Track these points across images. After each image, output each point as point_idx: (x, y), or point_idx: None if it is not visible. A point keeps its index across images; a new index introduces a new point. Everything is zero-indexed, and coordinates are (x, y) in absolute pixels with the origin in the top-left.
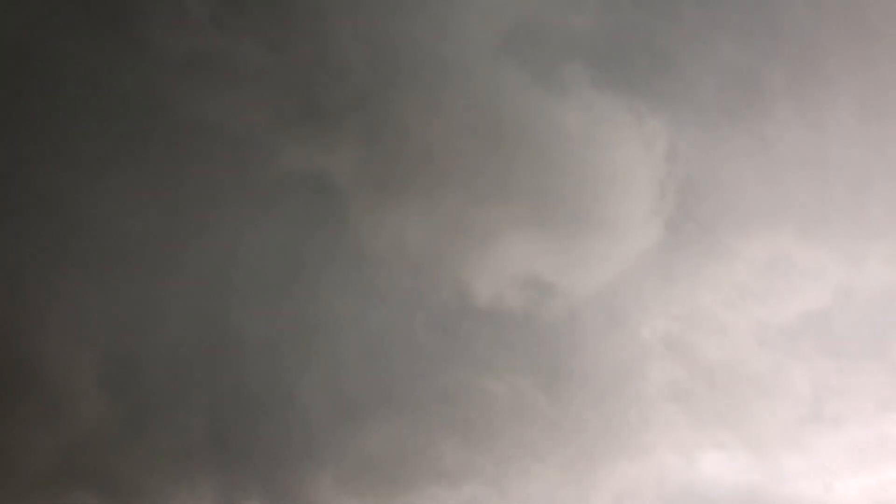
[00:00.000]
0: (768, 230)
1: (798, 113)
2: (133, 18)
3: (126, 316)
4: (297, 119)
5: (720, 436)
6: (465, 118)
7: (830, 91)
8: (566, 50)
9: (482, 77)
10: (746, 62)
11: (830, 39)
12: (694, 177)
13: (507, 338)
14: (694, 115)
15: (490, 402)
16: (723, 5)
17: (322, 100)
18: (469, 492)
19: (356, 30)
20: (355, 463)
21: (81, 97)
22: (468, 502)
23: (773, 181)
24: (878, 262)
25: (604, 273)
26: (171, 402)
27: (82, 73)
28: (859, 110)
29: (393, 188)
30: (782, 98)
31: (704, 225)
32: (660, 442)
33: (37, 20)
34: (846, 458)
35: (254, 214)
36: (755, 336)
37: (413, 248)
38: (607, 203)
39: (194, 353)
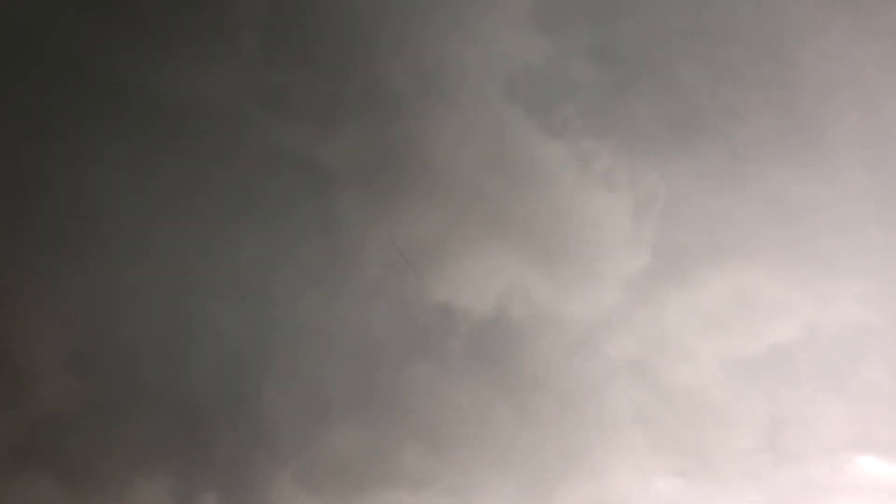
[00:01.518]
0: (741, 264)
1: (779, 158)
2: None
3: (98, 299)
4: (287, 106)
5: (679, 462)
6: (468, 139)
7: (809, 136)
8: (563, 95)
9: (492, 109)
10: (730, 110)
11: (810, 85)
12: (672, 210)
13: (478, 350)
14: (678, 155)
15: (456, 411)
16: (707, 55)
17: (322, 89)
18: (428, 499)
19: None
20: (316, 463)
21: (59, 74)
22: None
23: (749, 219)
24: (844, 302)
25: (577, 292)
26: (137, 389)
27: (59, 49)
28: (837, 155)
29: (384, 190)
30: (764, 143)
31: (678, 254)
32: (620, 464)
33: None
34: (803, 493)
35: (234, 209)
36: (720, 365)
37: (395, 253)
38: (586, 227)
39: (164, 341)
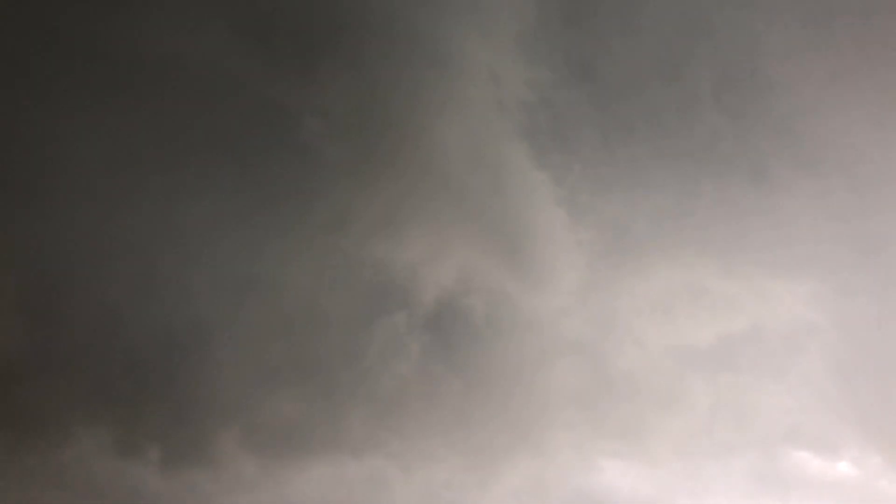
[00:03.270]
0: (693, 259)
1: (740, 168)
2: None
3: (55, 244)
4: (281, 74)
5: (619, 444)
6: (459, 154)
7: (761, 143)
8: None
9: (485, 138)
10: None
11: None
12: (630, 203)
13: (428, 325)
14: (640, 153)
15: (402, 382)
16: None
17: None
18: (372, 464)
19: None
20: (261, 424)
21: (38, 30)
22: (370, 474)
23: (703, 218)
24: (789, 300)
25: (531, 275)
26: (89, 339)
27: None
28: (786, 164)
29: (373, 172)
30: (719, 146)
31: (632, 245)
32: (563, 443)
33: None
34: (738, 485)
35: (193, 170)
36: (664, 352)
37: (365, 230)
38: (543, 216)
39: (120, 291)
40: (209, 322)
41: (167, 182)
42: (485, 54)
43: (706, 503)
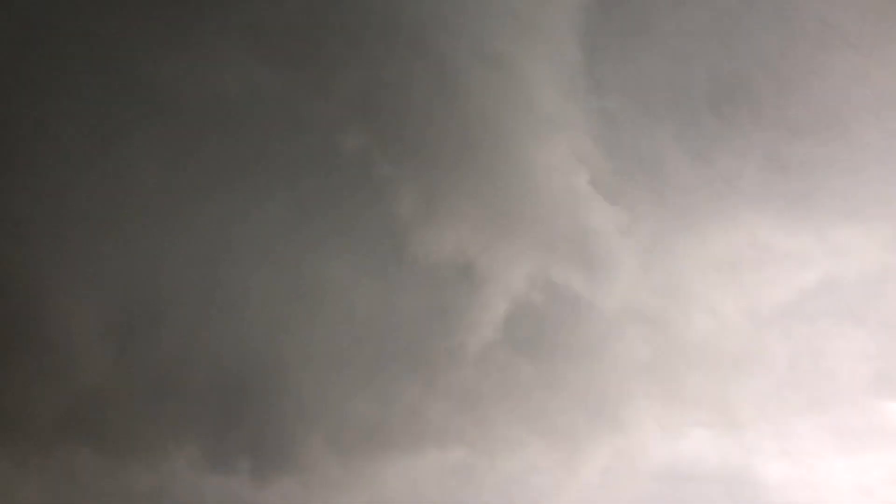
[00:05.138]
0: (754, 217)
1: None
2: None
3: (132, 273)
4: (328, 98)
5: (701, 413)
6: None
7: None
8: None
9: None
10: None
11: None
12: (680, 170)
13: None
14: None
15: (476, 371)
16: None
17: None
18: (457, 456)
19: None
20: (345, 425)
21: (97, 53)
22: (455, 466)
23: (756, 175)
24: (862, 247)
25: (592, 256)
26: (172, 360)
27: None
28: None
29: (417, 170)
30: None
31: (689, 209)
32: (643, 417)
33: None
34: (829, 441)
35: (266, 184)
36: (736, 313)
37: (420, 225)
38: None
39: (196, 312)
40: (283, 334)
41: (228, 205)
42: (535, 62)
43: (799, 463)
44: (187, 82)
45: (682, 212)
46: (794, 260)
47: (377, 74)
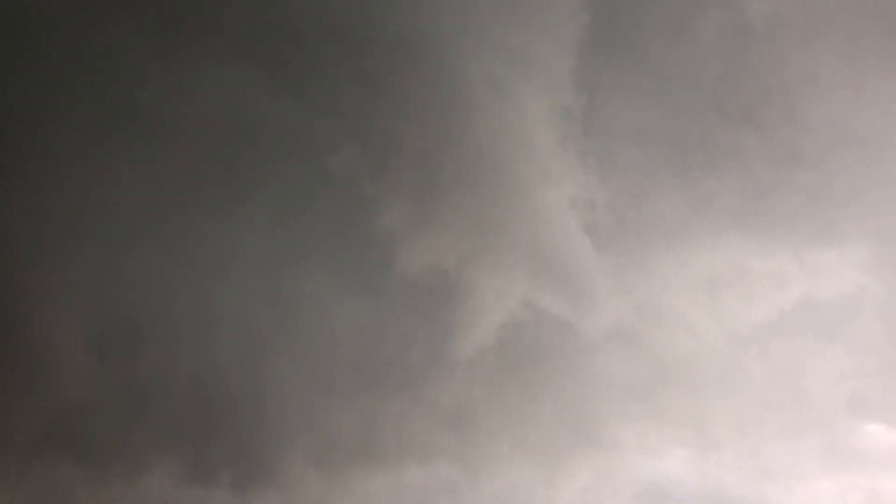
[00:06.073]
0: (734, 239)
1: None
2: None
3: (115, 287)
4: (315, 114)
5: (681, 432)
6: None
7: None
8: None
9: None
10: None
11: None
12: (664, 189)
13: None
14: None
15: (461, 387)
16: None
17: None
18: (440, 472)
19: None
20: (327, 441)
21: (84, 65)
22: (438, 482)
23: (729, 196)
24: (839, 269)
25: (571, 277)
26: (155, 373)
27: (92, 43)
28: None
29: (390, 184)
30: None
31: (670, 231)
32: (625, 436)
33: None
34: (806, 462)
35: (248, 200)
36: (715, 334)
37: (405, 242)
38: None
39: (178, 326)
40: (266, 348)
41: (212, 220)
42: (523, 84)
43: (777, 483)
44: (174, 97)
45: (663, 233)
46: (772, 281)
47: (366, 91)
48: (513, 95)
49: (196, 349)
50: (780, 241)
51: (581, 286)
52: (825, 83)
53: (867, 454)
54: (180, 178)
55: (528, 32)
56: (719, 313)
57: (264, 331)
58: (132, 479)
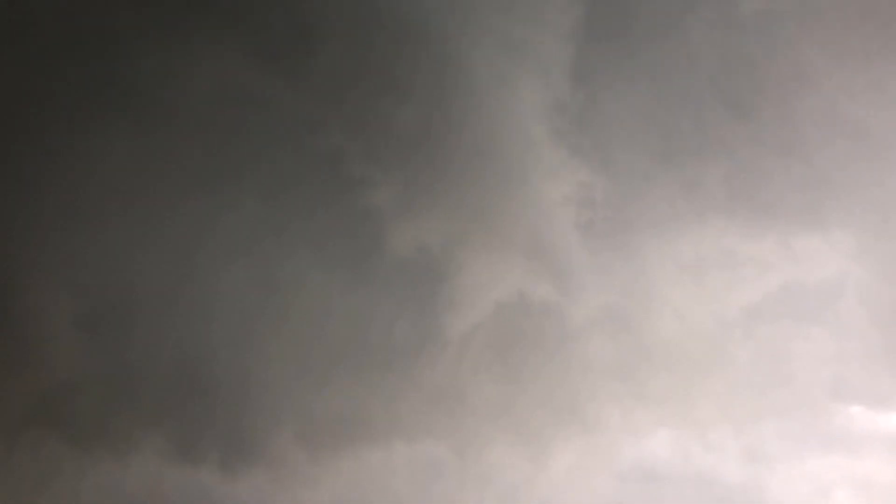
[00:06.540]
0: (721, 223)
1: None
2: None
3: (104, 265)
4: (304, 96)
5: (665, 413)
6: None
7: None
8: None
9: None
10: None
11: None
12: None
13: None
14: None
15: (446, 367)
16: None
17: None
18: (427, 451)
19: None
20: (314, 419)
21: (76, 46)
22: (425, 461)
23: (716, 181)
24: (824, 254)
25: (558, 258)
26: (141, 352)
27: (82, 23)
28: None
29: (381, 166)
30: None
31: (657, 214)
32: (609, 417)
33: None
34: (790, 443)
35: (239, 181)
36: (701, 316)
37: (395, 221)
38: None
39: (167, 304)
40: (255, 327)
41: (201, 199)
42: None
43: (760, 464)
44: (164, 80)
45: (650, 218)
46: (758, 265)
47: (359, 74)
48: (508, 82)
49: (184, 328)
50: (765, 227)
51: (569, 269)
52: (815, 75)
53: (849, 435)
54: (170, 159)
55: (524, 22)
56: (705, 297)
57: (253, 309)
58: (120, 457)
